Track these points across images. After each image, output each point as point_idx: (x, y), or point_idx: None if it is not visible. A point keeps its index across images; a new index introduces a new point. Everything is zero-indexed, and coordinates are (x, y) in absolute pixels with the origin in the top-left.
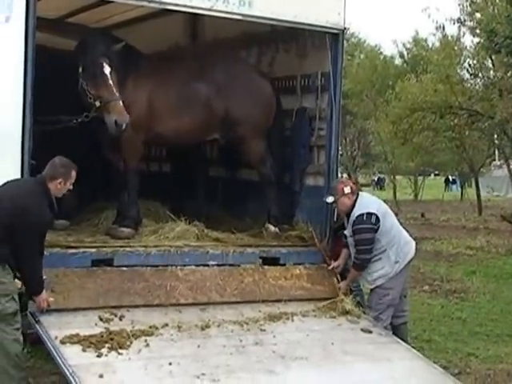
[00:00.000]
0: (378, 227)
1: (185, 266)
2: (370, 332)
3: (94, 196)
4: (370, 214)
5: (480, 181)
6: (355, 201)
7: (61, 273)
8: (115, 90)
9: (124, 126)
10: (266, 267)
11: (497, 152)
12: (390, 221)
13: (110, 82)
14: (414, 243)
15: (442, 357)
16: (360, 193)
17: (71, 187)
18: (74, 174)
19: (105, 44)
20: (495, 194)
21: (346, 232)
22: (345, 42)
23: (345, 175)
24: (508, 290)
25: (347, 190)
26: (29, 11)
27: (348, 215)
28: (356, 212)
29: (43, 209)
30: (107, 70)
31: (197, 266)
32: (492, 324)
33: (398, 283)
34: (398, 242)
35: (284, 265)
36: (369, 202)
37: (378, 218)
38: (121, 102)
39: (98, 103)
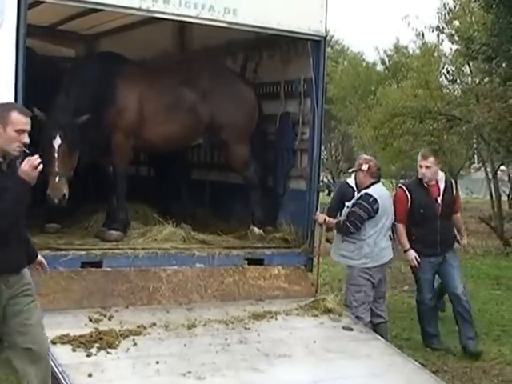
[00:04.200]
0: (373, 217)
1: (169, 266)
2: (351, 330)
3: (84, 199)
4: (375, 200)
5: (459, 183)
6: (373, 183)
7: (46, 275)
8: (57, 163)
9: (56, 201)
10: (246, 267)
11: (475, 155)
12: (383, 219)
13: (56, 155)
14: (391, 256)
15: (420, 355)
16: (381, 181)
17: (27, 139)
18: (14, 114)
19: (66, 114)
20: (474, 196)
21: (347, 203)
22: (329, 49)
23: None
24: (485, 289)
25: (364, 167)
26: (20, 18)
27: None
28: (368, 190)
29: None
30: (57, 143)
31: (180, 266)
32: None
33: (368, 283)
34: (377, 242)
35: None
36: (382, 193)
37: (378, 209)
38: (58, 178)
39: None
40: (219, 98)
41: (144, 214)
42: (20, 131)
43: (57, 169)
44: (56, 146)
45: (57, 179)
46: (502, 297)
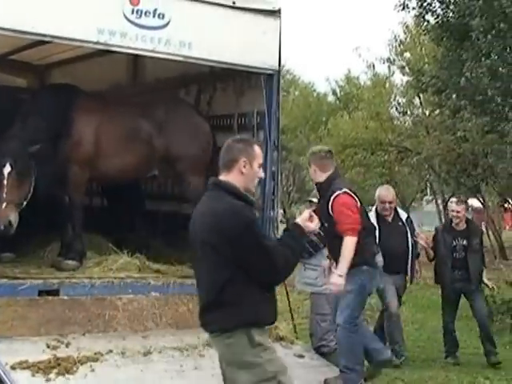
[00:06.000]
0: None
1: (125, 295)
2: (303, 357)
3: (39, 229)
4: None
5: (411, 215)
6: None
7: (4, 303)
8: (6, 190)
9: (2, 228)
10: None
11: (428, 187)
12: None
13: (5, 182)
14: None
15: (370, 381)
16: None
17: (263, 174)
18: (257, 148)
19: (18, 143)
20: (425, 228)
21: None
22: (280, 79)
23: (280, 211)
24: (435, 319)
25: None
26: None
27: None
28: None
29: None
30: (7, 170)
31: (136, 295)
32: (418, 350)
33: (330, 310)
34: None
35: None
36: None
37: None
38: (5, 205)
39: None
40: (175, 130)
41: (98, 243)
42: (260, 165)
43: (5, 195)
44: (5, 173)
45: (4, 206)
46: None
